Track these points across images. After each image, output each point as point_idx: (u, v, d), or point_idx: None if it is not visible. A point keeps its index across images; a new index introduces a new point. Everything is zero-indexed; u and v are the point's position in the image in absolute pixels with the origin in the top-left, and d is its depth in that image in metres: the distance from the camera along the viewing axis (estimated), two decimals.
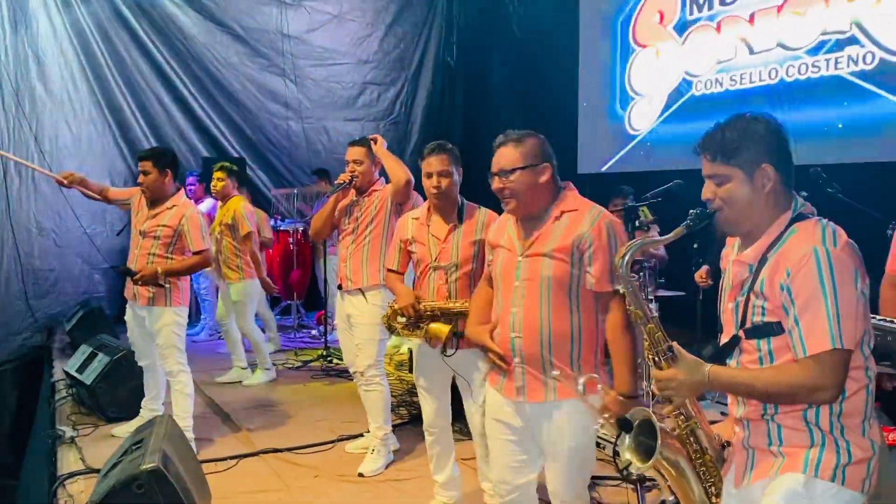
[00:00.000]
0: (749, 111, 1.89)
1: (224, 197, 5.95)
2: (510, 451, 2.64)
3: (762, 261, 1.78)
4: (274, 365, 6.48)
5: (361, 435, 4.59)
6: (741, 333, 1.82)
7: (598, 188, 7.01)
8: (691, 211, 1.87)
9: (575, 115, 7.89)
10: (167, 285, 4.31)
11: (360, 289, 4.09)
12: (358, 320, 4.12)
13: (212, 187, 6.00)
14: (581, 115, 7.85)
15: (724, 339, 1.90)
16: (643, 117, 7.02)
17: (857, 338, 1.69)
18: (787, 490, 1.73)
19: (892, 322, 2.56)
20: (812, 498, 1.72)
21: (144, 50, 8.36)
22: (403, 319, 3.35)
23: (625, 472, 2.01)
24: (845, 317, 1.64)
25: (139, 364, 4.69)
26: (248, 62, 8.83)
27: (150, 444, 3.09)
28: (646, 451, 1.91)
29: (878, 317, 2.50)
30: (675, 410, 1.88)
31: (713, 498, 1.94)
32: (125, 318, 4.61)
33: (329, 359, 6.49)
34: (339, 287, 4.22)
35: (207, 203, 7.24)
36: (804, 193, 4.31)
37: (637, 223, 4.44)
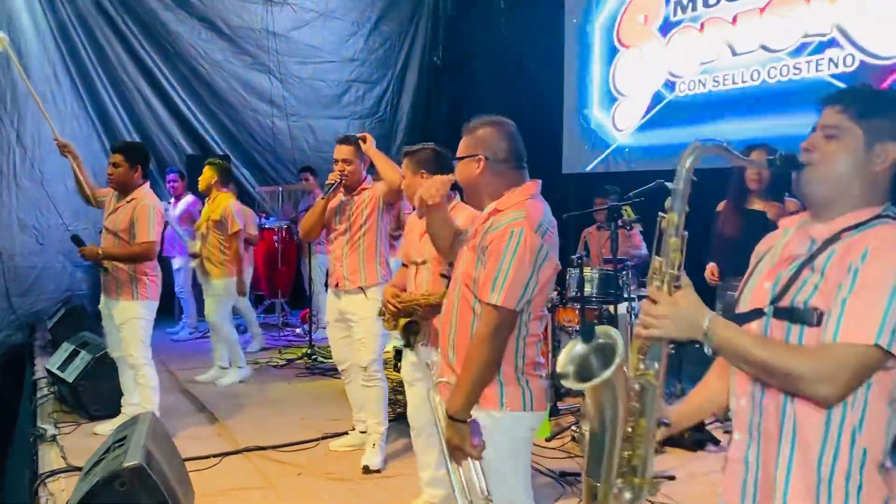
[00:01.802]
0: None
1: (208, 192, 5.93)
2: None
3: (834, 238, 1.53)
4: (258, 363, 6.50)
5: (346, 433, 4.60)
6: (769, 309, 1.55)
7: (583, 188, 7.07)
8: (780, 153, 1.62)
9: (560, 114, 7.93)
10: (109, 268, 4.33)
11: (360, 287, 4.11)
12: (359, 317, 4.12)
13: (198, 182, 5.98)
14: (566, 114, 7.89)
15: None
16: (627, 118, 7.06)
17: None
18: None
19: None
20: None
21: (129, 47, 8.31)
22: (385, 315, 3.36)
23: (557, 382, 1.75)
24: None
25: (111, 356, 4.72)
26: (234, 59, 8.80)
27: (132, 442, 3.07)
28: (585, 373, 1.70)
29: None
30: (644, 351, 1.64)
31: (621, 474, 1.70)
32: (99, 307, 4.67)
33: (314, 357, 6.48)
34: (336, 286, 4.22)
35: (187, 199, 7.22)
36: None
37: (620, 222, 4.47)
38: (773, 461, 1.56)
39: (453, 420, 2.20)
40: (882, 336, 1.39)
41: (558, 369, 1.72)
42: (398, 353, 5.31)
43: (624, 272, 5.33)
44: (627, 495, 1.71)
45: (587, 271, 5.26)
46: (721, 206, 4.33)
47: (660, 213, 1.64)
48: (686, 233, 1.61)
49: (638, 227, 5.08)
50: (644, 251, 5.94)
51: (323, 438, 4.59)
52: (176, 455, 3.64)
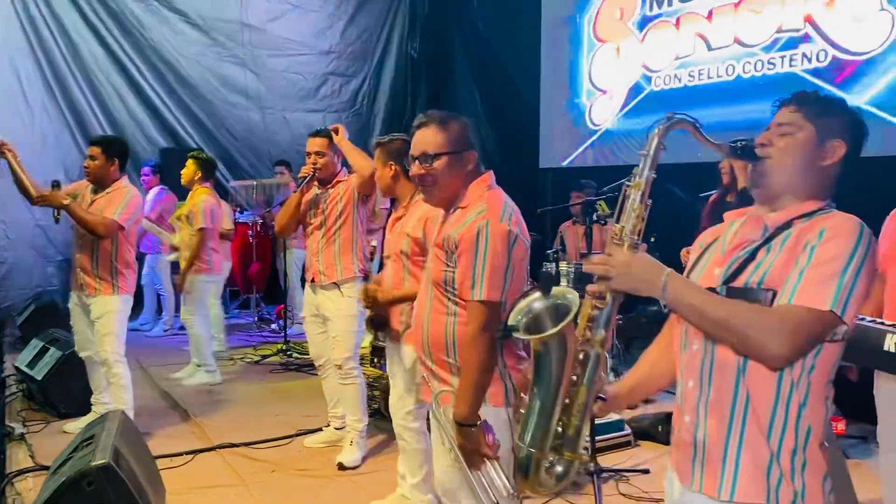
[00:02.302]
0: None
1: (191, 186, 5.83)
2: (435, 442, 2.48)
3: (787, 224, 1.61)
4: (233, 360, 6.44)
5: (321, 429, 4.57)
6: (722, 289, 1.60)
7: (560, 182, 7.08)
8: (741, 140, 1.69)
9: (537, 109, 7.93)
10: (59, 216, 4.25)
11: (334, 282, 4.07)
12: (334, 313, 4.08)
13: (181, 176, 5.88)
14: (543, 109, 7.89)
15: None
16: (604, 112, 7.08)
17: (851, 323, 1.53)
18: None
19: None
20: None
21: (101, 39, 8.17)
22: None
23: (507, 333, 1.74)
24: (855, 294, 1.48)
25: (79, 355, 4.60)
26: (207, 52, 8.69)
27: (101, 441, 3.03)
28: (535, 327, 1.70)
29: None
30: (591, 319, 1.64)
31: (553, 446, 1.72)
32: (69, 306, 4.55)
33: (289, 353, 6.43)
34: (312, 280, 4.18)
35: (154, 191, 7.13)
36: None
37: (595, 217, 4.47)
38: (724, 438, 1.60)
39: (463, 426, 2.16)
40: (836, 304, 1.46)
41: (510, 321, 1.71)
42: (374, 349, 5.29)
43: None
44: (559, 469, 1.73)
45: (563, 266, 5.26)
46: (712, 198, 4.40)
47: (625, 182, 1.68)
48: (650, 201, 1.64)
49: (612, 222, 5.09)
50: None
51: (297, 435, 4.56)
52: (146, 453, 3.59)
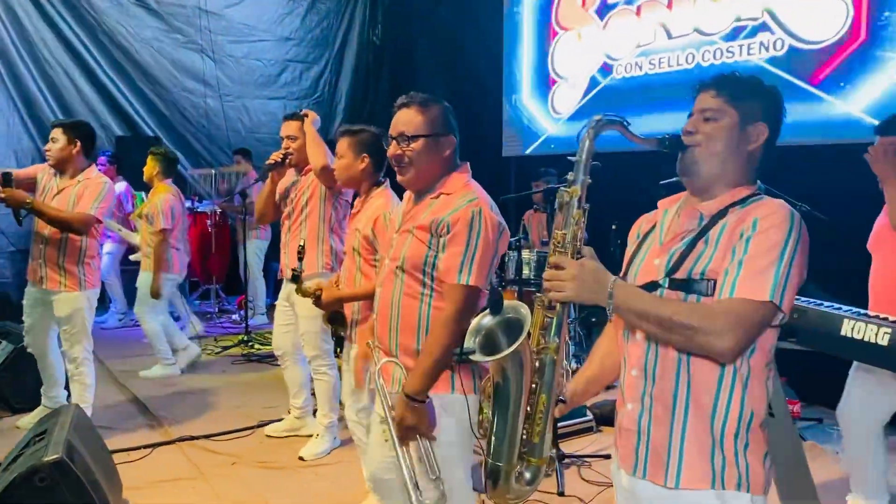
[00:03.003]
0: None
1: (151, 183, 5.69)
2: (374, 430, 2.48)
3: (722, 213, 1.64)
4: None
5: (282, 419, 4.52)
6: (665, 282, 1.63)
7: (523, 171, 7.08)
8: (667, 135, 1.71)
9: (500, 97, 7.91)
10: (22, 216, 4.01)
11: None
12: (300, 311, 4.00)
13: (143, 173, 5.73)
14: (505, 96, 7.87)
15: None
16: (566, 100, 7.08)
17: (788, 311, 1.58)
18: None
19: (798, 299, 2.66)
20: None
21: (51, 22, 7.92)
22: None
23: (462, 357, 1.72)
24: (791, 282, 1.52)
25: (28, 350, 4.43)
26: (163, 37, 8.48)
27: (53, 436, 2.95)
28: (491, 346, 1.69)
29: None
30: (545, 327, 1.66)
31: (520, 454, 1.73)
32: (23, 300, 4.36)
33: (250, 344, 6.35)
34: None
35: (119, 186, 6.96)
36: None
37: (557, 204, 4.47)
38: (668, 426, 1.64)
39: (411, 399, 2.17)
40: (774, 293, 1.51)
41: (465, 344, 1.72)
42: (338, 340, 5.23)
43: None
44: (528, 475, 1.75)
45: (526, 254, 5.26)
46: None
47: (561, 188, 1.70)
48: (588, 205, 1.67)
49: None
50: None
51: (259, 426, 4.51)
52: (102, 448, 3.52)
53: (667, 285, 1.62)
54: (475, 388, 2.24)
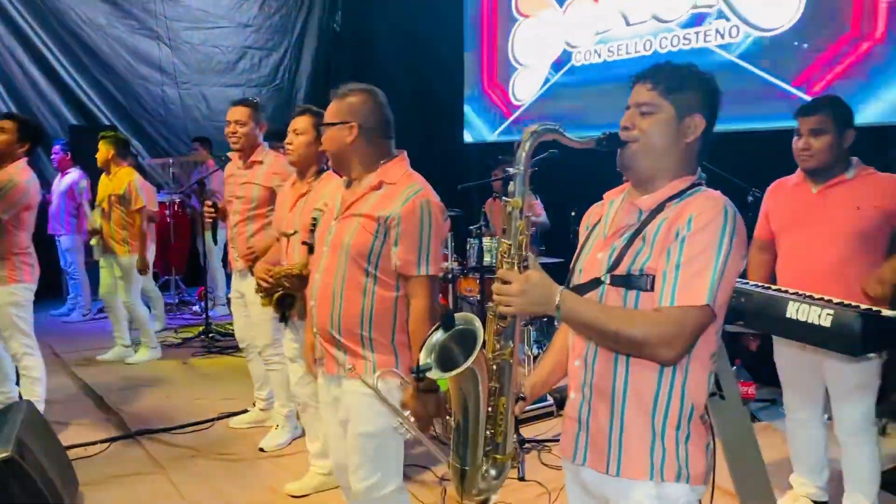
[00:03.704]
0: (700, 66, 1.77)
1: (107, 168, 5.62)
2: (331, 422, 2.52)
3: (659, 208, 1.66)
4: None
5: (245, 410, 4.49)
6: (606, 278, 1.66)
7: (484, 158, 7.07)
8: (605, 132, 1.71)
9: (461, 84, 7.90)
10: None
11: (250, 268, 3.95)
12: (252, 299, 3.93)
13: (96, 159, 5.65)
14: (466, 83, 7.86)
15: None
16: (526, 87, 7.10)
17: (723, 310, 1.62)
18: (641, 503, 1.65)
19: (742, 281, 2.71)
20: None
21: (0, 8, 7.71)
22: (262, 293, 3.21)
23: (420, 375, 1.71)
24: (726, 280, 1.56)
25: None
26: (118, 24, 8.31)
27: (3, 433, 2.90)
28: (449, 362, 1.70)
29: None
30: (499, 333, 1.69)
31: (485, 453, 1.76)
32: None
33: (211, 335, 6.28)
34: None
35: (72, 174, 6.82)
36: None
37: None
38: (608, 417, 1.67)
39: (428, 392, 2.18)
40: (711, 296, 1.53)
41: (420, 362, 1.72)
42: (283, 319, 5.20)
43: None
44: (493, 472, 1.78)
45: (487, 241, 5.28)
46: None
47: (504, 198, 1.70)
48: (530, 215, 1.70)
49: (531, 198, 5.12)
50: (544, 219, 6.01)
51: (219, 418, 4.47)
52: (56, 444, 3.46)
53: (608, 282, 1.65)
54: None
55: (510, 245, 1.65)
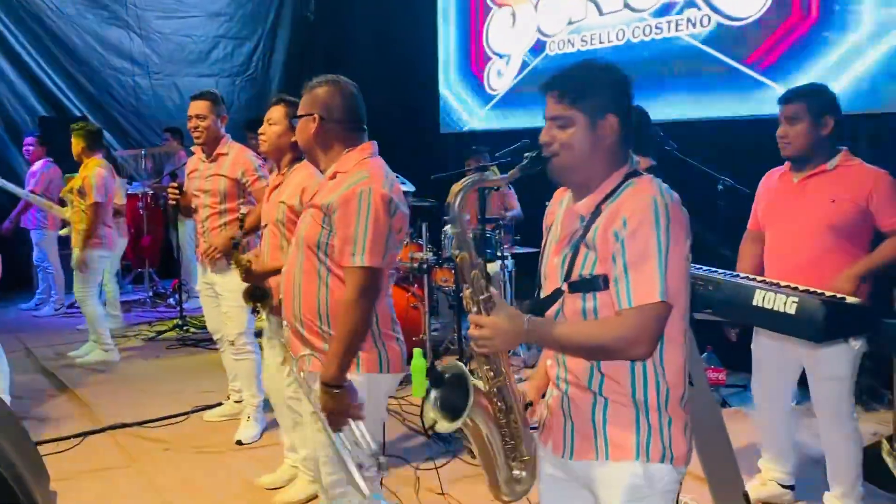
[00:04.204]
0: (601, 58, 1.80)
1: (81, 160, 5.51)
2: (305, 414, 2.53)
3: (596, 212, 1.69)
4: (127, 336, 6.21)
5: (219, 404, 4.48)
6: (565, 287, 1.72)
7: (462, 147, 7.08)
8: (526, 154, 1.75)
9: (436, 73, 7.88)
10: None
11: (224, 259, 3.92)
12: (225, 288, 3.95)
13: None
14: (441, 73, 7.85)
15: (545, 293, 1.82)
16: (501, 77, 7.10)
17: (681, 294, 1.66)
18: (627, 482, 1.70)
19: (711, 270, 2.74)
20: (652, 484, 1.70)
21: None
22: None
23: (430, 432, 1.91)
24: (672, 271, 1.60)
25: None
26: (88, 14, 8.19)
27: None
28: (452, 409, 1.80)
29: (695, 265, 2.66)
30: (487, 362, 1.78)
31: (512, 459, 1.88)
32: None
33: (185, 328, 6.24)
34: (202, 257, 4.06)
35: (38, 163, 6.74)
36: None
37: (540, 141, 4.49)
38: (590, 408, 1.74)
39: (329, 387, 2.20)
40: (662, 291, 1.59)
41: (426, 423, 1.86)
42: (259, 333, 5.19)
43: (497, 231, 5.40)
44: (524, 473, 1.90)
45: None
46: (643, 163, 4.49)
47: (454, 252, 1.80)
48: (480, 260, 1.76)
49: (506, 186, 5.14)
50: (518, 211, 6.03)
51: (193, 412, 4.45)
52: (25, 438, 3.38)
53: (567, 290, 1.72)
54: (381, 367, 2.33)
55: (471, 291, 1.72)
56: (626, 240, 1.61)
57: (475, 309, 1.72)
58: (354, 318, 2.20)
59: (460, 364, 1.82)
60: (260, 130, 3.28)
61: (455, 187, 1.75)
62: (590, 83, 1.71)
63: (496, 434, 1.85)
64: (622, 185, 1.70)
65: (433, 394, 1.83)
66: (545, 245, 1.88)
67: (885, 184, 2.81)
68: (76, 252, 5.38)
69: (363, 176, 2.27)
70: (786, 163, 3.03)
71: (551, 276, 1.79)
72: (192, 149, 4.19)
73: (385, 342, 2.35)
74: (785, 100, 2.94)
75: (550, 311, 1.76)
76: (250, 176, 3.90)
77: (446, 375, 1.82)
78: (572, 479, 1.82)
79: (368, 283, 2.21)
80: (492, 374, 1.80)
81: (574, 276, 1.71)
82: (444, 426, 1.79)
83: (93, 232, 5.31)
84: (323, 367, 2.25)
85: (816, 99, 2.88)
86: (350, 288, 2.22)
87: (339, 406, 2.21)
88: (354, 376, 2.27)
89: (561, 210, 1.83)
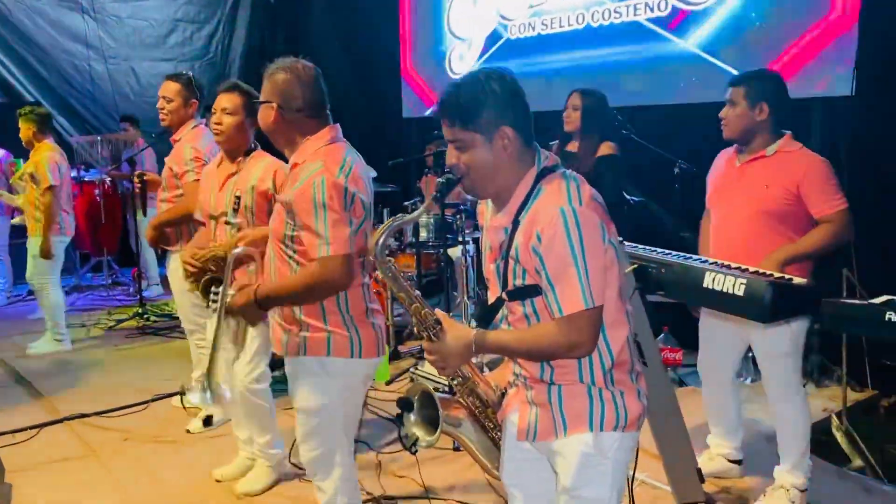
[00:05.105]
0: (485, 69, 1.81)
1: (31, 145, 5.40)
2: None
3: (515, 224, 1.76)
4: (85, 326, 6.12)
5: (180, 392, 4.43)
6: (504, 296, 1.82)
7: (424, 132, 7.07)
8: (438, 180, 1.83)
9: (398, 56, 7.83)
10: None
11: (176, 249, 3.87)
12: (174, 287, 3.94)
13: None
14: (404, 58, 7.80)
15: (490, 297, 1.91)
16: (463, 61, 7.08)
17: (612, 286, 1.74)
18: (579, 451, 1.79)
19: (665, 253, 2.78)
20: (603, 452, 1.79)
21: None
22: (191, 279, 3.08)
23: (413, 450, 1.99)
24: (594, 275, 1.66)
25: None
26: None
27: None
28: (431, 422, 1.95)
29: (643, 247, 2.71)
30: (451, 378, 1.95)
31: (499, 441, 2.03)
32: None
33: (146, 316, 6.16)
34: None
35: None
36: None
37: (446, 167, 4.49)
38: (546, 395, 1.83)
39: (257, 301, 2.37)
40: (587, 299, 1.67)
41: (409, 442, 1.99)
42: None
43: (459, 216, 5.41)
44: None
45: (422, 217, 5.29)
46: (553, 156, 4.48)
47: (395, 292, 1.94)
48: (418, 292, 1.91)
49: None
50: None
51: (153, 400, 4.41)
52: None
53: (508, 299, 1.82)
54: (353, 352, 2.39)
55: (417, 322, 1.86)
56: (544, 254, 1.68)
57: (425, 337, 1.85)
58: (307, 289, 2.30)
59: (423, 383, 1.99)
60: (216, 120, 3.17)
61: (376, 234, 1.87)
62: (475, 103, 1.72)
63: (479, 429, 2.02)
64: (533, 191, 1.75)
65: (410, 417, 1.98)
66: (481, 248, 1.97)
67: (815, 171, 2.85)
68: (37, 240, 5.29)
69: (317, 166, 2.28)
70: (734, 145, 3.08)
71: (491, 281, 1.89)
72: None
73: (358, 326, 2.39)
74: (729, 83, 3.00)
75: (498, 317, 1.88)
76: (179, 169, 3.78)
77: (414, 396, 1.97)
78: (534, 450, 1.92)
79: (339, 270, 2.26)
80: (460, 379, 1.97)
81: (510, 286, 1.79)
82: (427, 440, 1.96)
83: (54, 217, 5.25)
84: (263, 287, 2.39)
85: (755, 84, 2.94)
86: (320, 274, 2.26)
87: (246, 308, 2.39)
88: (325, 359, 2.36)
89: (489, 210, 1.89)
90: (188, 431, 3.98)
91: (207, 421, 4.00)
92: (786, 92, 3.00)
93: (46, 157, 5.26)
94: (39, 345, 5.48)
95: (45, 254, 5.25)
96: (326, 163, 2.28)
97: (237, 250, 2.71)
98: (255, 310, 2.39)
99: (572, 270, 1.66)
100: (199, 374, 4.27)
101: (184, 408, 4.22)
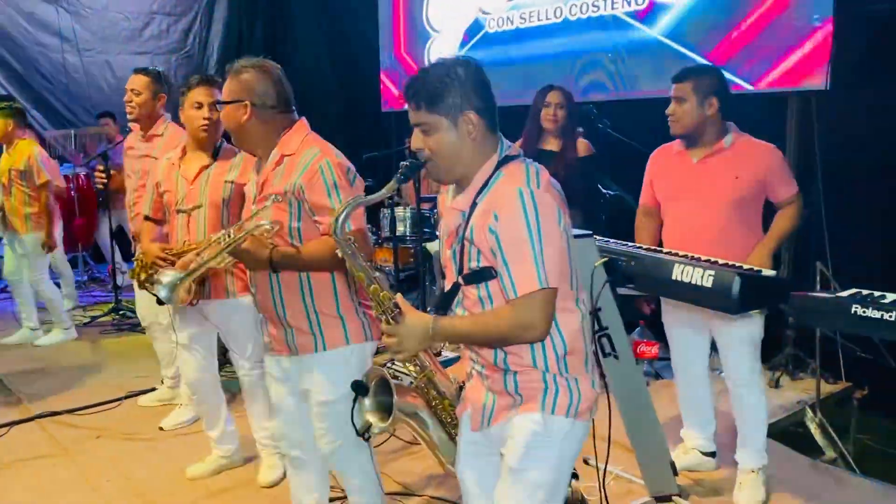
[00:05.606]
0: (451, 56, 1.86)
1: (8, 141, 5.34)
2: (282, 397, 2.62)
3: (472, 207, 1.79)
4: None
5: (154, 388, 4.40)
6: (460, 280, 1.84)
7: (403, 125, 7.05)
8: (403, 163, 1.85)
9: (377, 49, 7.79)
10: None
11: None
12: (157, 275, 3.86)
13: None
14: (383, 51, 7.76)
15: (446, 284, 1.93)
16: (441, 54, 7.04)
17: (564, 273, 1.76)
18: (528, 430, 1.82)
19: (635, 246, 2.78)
20: (550, 434, 1.81)
21: None
22: (152, 273, 3.08)
23: (366, 435, 1.99)
24: (549, 256, 1.68)
25: None
26: None
27: None
28: (386, 409, 1.95)
29: (613, 240, 2.71)
30: (411, 361, 1.96)
31: (456, 435, 2.05)
32: None
33: (121, 312, 6.10)
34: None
35: None
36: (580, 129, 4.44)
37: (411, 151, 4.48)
38: (503, 382, 1.86)
39: (271, 263, 2.31)
40: (542, 280, 1.69)
41: (361, 428, 1.98)
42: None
43: (435, 211, 5.40)
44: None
45: (399, 211, 5.27)
46: (517, 146, 4.46)
47: (355, 272, 1.94)
48: (378, 273, 1.94)
49: None
50: None
51: (126, 398, 4.37)
52: None
53: (464, 283, 1.83)
54: (366, 335, 2.46)
55: (378, 305, 1.87)
56: (500, 234, 1.70)
57: (385, 319, 1.84)
58: (329, 261, 2.19)
59: (381, 369, 1.97)
60: (204, 115, 3.11)
61: (336, 211, 1.91)
62: (441, 87, 1.76)
63: (434, 420, 2.03)
64: (493, 176, 1.78)
65: (365, 401, 1.97)
66: (440, 235, 1.99)
67: (777, 160, 2.99)
68: (31, 237, 5.30)
69: (316, 151, 2.33)
70: (676, 140, 3.09)
71: (448, 266, 1.91)
72: (131, 126, 4.05)
73: (364, 311, 2.46)
74: (674, 79, 3.01)
75: (454, 302, 1.89)
76: None
77: (370, 382, 1.97)
78: (489, 443, 1.94)
79: (361, 242, 2.25)
80: (418, 368, 1.99)
81: (466, 270, 1.82)
82: (379, 425, 1.95)
83: (53, 211, 5.32)
84: (279, 248, 2.32)
85: (702, 79, 2.97)
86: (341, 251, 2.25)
87: (258, 256, 2.30)
88: (344, 350, 2.40)
89: (448, 201, 1.91)
90: (161, 429, 3.94)
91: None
92: (728, 84, 3.07)
93: (36, 152, 5.30)
94: (49, 338, 5.55)
95: (53, 245, 5.37)
96: (322, 148, 2.35)
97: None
98: (263, 261, 2.32)
99: (527, 250, 1.67)
100: (173, 371, 4.25)
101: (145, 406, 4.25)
